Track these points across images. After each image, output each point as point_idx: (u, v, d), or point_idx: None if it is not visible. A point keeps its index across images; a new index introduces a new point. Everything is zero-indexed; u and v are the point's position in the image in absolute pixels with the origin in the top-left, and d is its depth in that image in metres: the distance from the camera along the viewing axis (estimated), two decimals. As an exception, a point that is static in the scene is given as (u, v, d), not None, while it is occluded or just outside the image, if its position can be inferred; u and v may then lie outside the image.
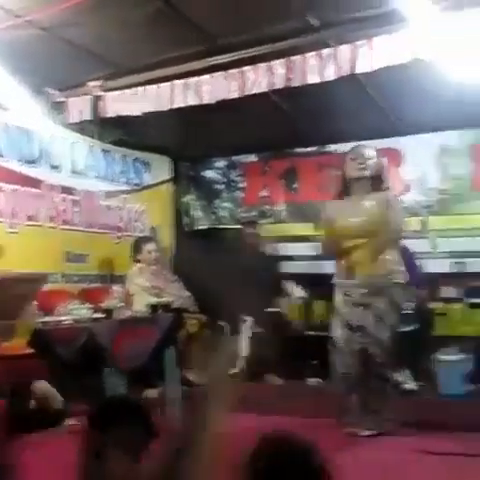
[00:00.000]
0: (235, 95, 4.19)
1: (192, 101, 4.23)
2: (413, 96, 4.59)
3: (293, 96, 4.91)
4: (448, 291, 5.05)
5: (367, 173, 3.44)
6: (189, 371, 4.94)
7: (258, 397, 4.27)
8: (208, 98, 4.20)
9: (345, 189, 3.52)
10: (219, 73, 4.29)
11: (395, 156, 5.45)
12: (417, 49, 3.54)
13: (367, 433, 3.26)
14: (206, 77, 4.31)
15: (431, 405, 4.03)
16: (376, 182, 3.46)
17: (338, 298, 3.47)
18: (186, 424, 1.24)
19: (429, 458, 2.90)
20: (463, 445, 3.01)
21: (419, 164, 5.37)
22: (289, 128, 5.57)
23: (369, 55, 3.73)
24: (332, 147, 5.80)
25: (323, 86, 4.15)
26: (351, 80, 4.46)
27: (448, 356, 4.35)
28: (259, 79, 4.15)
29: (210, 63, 4.35)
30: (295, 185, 6.09)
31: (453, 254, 5.23)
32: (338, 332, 3.39)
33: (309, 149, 6.01)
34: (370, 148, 3.52)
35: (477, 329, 4.90)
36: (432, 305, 5.02)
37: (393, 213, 3.38)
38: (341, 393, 3.36)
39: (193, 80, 4.30)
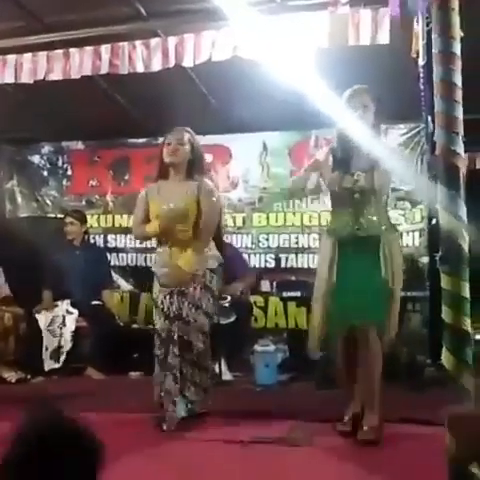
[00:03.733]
0: (58, 77, 4.00)
1: (9, 79, 3.97)
2: (239, 95, 4.71)
3: (123, 85, 4.84)
4: (266, 285, 5.29)
5: (180, 159, 3.37)
6: (2, 367, 4.68)
7: (78, 392, 4.16)
8: (27, 78, 3.97)
9: (161, 174, 3.46)
10: (42, 53, 4.08)
11: (223, 153, 5.59)
12: (238, 47, 3.63)
13: (175, 421, 3.25)
14: (28, 55, 4.07)
15: (246, 395, 4.17)
16: (191, 169, 3.41)
17: (156, 288, 3.43)
18: None
19: (236, 447, 2.98)
20: (272, 432, 3.11)
21: (244, 162, 5.56)
22: (120, 118, 5.45)
23: (195, 49, 3.76)
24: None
25: (154, 77, 4.13)
26: (182, 74, 4.50)
27: (263, 347, 4.53)
28: (84, 63, 4.00)
29: (33, 41, 4.13)
30: (126, 176, 6.00)
31: (272, 250, 5.51)
32: (159, 323, 3.35)
33: (141, 140, 5.95)
34: (187, 133, 3.46)
35: (290, 321, 5.20)
36: (252, 298, 5.23)
37: (207, 201, 3.37)
38: (161, 384, 3.32)
39: (12, 57, 4.03)
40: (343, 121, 3.19)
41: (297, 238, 5.46)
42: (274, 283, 5.32)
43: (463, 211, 1.60)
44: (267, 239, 5.53)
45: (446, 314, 1.60)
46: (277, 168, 5.51)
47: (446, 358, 1.60)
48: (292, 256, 5.44)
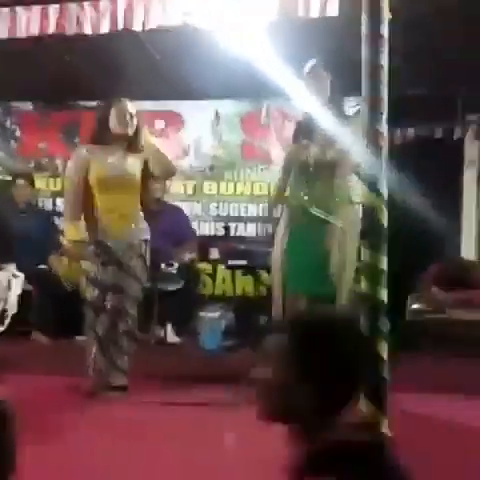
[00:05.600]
0: (4, 35, 3.89)
1: (-48, 36, 3.84)
2: (192, 61, 4.68)
3: (74, 45, 4.74)
4: (215, 253, 5.35)
5: (131, 130, 3.38)
6: None
7: (23, 356, 4.17)
8: (-29, 35, 3.85)
9: (101, 139, 3.43)
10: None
11: (176, 120, 5.57)
12: (189, 14, 3.60)
13: (114, 387, 3.30)
14: (-28, 13, 3.94)
15: (191, 359, 4.26)
16: (135, 140, 3.41)
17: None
18: None
19: (175, 410, 3.06)
20: (212, 395, 3.21)
21: (196, 130, 5.55)
22: (71, 80, 5.35)
23: (144, 13, 3.71)
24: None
25: (106, 40, 4.06)
26: (134, 38, 4.43)
27: (209, 313, 4.62)
28: (31, 22, 3.90)
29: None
30: (76, 139, 5.91)
31: (222, 218, 5.56)
32: (91, 292, 3.35)
33: (92, 103, 5.85)
34: (132, 105, 3.47)
35: (237, 289, 5.30)
36: (201, 266, 5.29)
37: (156, 168, 3.40)
38: (92, 351, 3.35)
39: (-44, 14, 3.89)
40: (297, 92, 3.23)
41: (246, 207, 5.51)
42: (222, 252, 5.38)
43: (384, 188, 1.67)
44: (217, 207, 5.57)
45: (364, 285, 1.69)
46: (229, 136, 5.53)
47: (363, 327, 1.69)
48: (241, 225, 5.50)
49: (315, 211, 3.13)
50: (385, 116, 1.67)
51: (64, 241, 3.38)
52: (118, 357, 3.32)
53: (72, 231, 3.35)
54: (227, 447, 2.57)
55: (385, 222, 1.68)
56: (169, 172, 3.60)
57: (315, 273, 3.12)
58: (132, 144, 3.40)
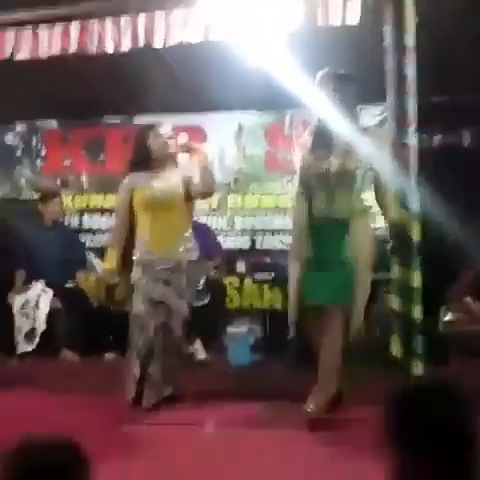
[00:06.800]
0: (26, 56, 3.93)
1: (-25, 58, 3.90)
2: (214, 74, 4.67)
3: (95, 63, 4.76)
4: (242, 266, 5.30)
5: (171, 150, 3.49)
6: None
7: (52, 374, 4.17)
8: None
9: (143, 162, 3.51)
10: (10, 31, 3.99)
11: (198, 133, 5.54)
12: (210, 28, 3.58)
13: (150, 404, 3.30)
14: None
15: (219, 375, 4.20)
16: (172, 159, 3.52)
17: (138, 274, 3.44)
18: None
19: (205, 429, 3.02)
20: (242, 413, 3.16)
21: (220, 143, 5.52)
22: (93, 96, 5.39)
23: (165, 29, 3.71)
24: (139, 119, 5.73)
25: (127, 56, 4.07)
26: (155, 53, 4.44)
27: (236, 328, 4.57)
28: (53, 41, 3.93)
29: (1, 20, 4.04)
30: (101, 156, 5.94)
31: (247, 232, 5.51)
32: (140, 307, 3.39)
33: (116, 120, 5.89)
34: (169, 125, 3.57)
35: (265, 302, 5.24)
36: (228, 280, 5.25)
37: (194, 186, 3.46)
38: (137, 367, 3.36)
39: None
40: (317, 103, 3.18)
41: (272, 220, 5.46)
42: (248, 265, 5.33)
43: (415, 202, 1.60)
44: (242, 220, 5.52)
45: (396, 303, 1.61)
46: (252, 148, 5.49)
47: (395, 346, 1.61)
48: (267, 238, 5.45)
49: (334, 222, 3.07)
50: (413, 129, 1.60)
51: (100, 266, 3.53)
52: (166, 373, 3.34)
53: (108, 259, 3.48)
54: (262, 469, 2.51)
55: (416, 238, 1.61)
56: (211, 189, 3.61)
57: (335, 283, 3.05)
58: (173, 163, 3.47)
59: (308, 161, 3.18)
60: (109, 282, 3.51)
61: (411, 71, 1.63)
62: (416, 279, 1.60)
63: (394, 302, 1.60)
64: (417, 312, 1.61)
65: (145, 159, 3.50)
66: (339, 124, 3.06)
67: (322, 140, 3.14)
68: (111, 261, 3.45)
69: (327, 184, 3.09)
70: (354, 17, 3.34)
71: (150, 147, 3.48)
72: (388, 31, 1.64)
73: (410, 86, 1.62)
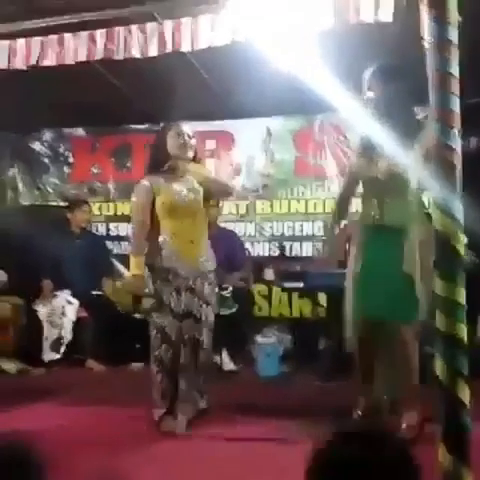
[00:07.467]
0: (52, 62, 3.89)
1: (1, 65, 3.86)
2: (241, 79, 4.59)
3: (122, 70, 4.72)
4: (270, 274, 5.19)
5: (191, 153, 3.29)
6: (2, 359, 4.64)
7: (78, 384, 4.12)
8: (20, 63, 3.86)
9: (161, 165, 3.32)
10: (36, 38, 3.97)
11: (227, 139, 5.48)
12: (238, 31, 3.49)
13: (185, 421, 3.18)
14: (21, 41, 3.96)
15: (248, 387, 4.10)
16: (191, 161, 3.31)
17: (161, 282, 3.24)
18: None
19: (237, 445, 2.92)
20: (272, 429, 3.05)
21: (248, 148, 5.44)
22: (121, 103, 5.36)
23: (193, 34, 3.63)
24: (166, 125, 5.69)
25: (155, 62, 4.00)
26: (183, 59, 4.37)
27: (265, 338, 4.47)
28: (79, 48, 3.88)
29: (27, 26, 4.01)
30: (128, 163, 5.91)
31: (276, 238, 5.40)
32: (164, 319, 3.23)
33: (143, 126, 5.85)
34: (188, 127, 3.38)
35: (294, 311, 5.11)
36: (256, 287, 5.14)
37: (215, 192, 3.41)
38: (162, 379, 3.24)
39: (5, 43, 3.92)
40: (352, 105, 3.05)
41: (301, 226, 5.35)
42: (277, 272, 5.22)
43: (460, 212, 1.48)
44: (271, 227, 5.42)
45: (440, 321, 1.50)
46: (281, 154, 5.39)
47: (439, 368, 1.49)
48: (296, 244, 5.33)
49: (389, 229, 2.91)
50: (457, 130, 1.48)
51: (126, 273, 3.36)
52: (199, 385, 3.24)
53: (134, 265, 3.24)
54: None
55: (462, 250, 1.49)
56: (226, 192, 3.54)
57: (393, 297, 2.88)
58: (191, 165, 3.31)
59: (356, 166, 3.05)
60: (137, 289, 3.31)
61: (455, 69, 1.50)
62: (461, 295, 1.48)
63: (438, 320, 1.48)
64: (462, 331, 1.48)
65: (163, 160, 3.28)
66: (388, 127, 2.87)
67: (371, 144, 2.98)
68: (139, 267, 3.23)
69: (378, 189, 2.95)
70: (387, 13, 3.21)
71: (168, 147, 3.28)
72: (430, 26, 1.51)
73: (455, 85, 1.50)
